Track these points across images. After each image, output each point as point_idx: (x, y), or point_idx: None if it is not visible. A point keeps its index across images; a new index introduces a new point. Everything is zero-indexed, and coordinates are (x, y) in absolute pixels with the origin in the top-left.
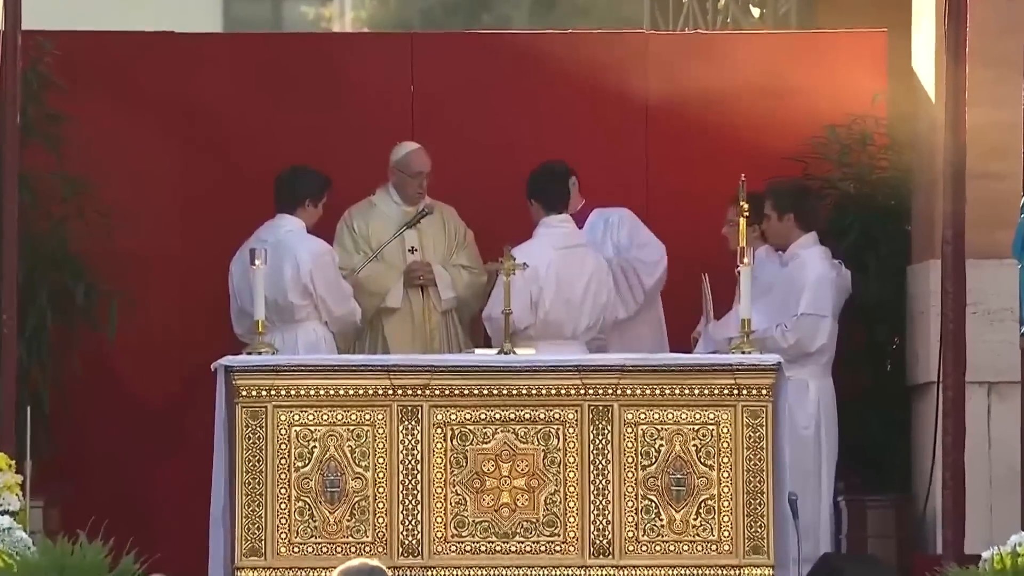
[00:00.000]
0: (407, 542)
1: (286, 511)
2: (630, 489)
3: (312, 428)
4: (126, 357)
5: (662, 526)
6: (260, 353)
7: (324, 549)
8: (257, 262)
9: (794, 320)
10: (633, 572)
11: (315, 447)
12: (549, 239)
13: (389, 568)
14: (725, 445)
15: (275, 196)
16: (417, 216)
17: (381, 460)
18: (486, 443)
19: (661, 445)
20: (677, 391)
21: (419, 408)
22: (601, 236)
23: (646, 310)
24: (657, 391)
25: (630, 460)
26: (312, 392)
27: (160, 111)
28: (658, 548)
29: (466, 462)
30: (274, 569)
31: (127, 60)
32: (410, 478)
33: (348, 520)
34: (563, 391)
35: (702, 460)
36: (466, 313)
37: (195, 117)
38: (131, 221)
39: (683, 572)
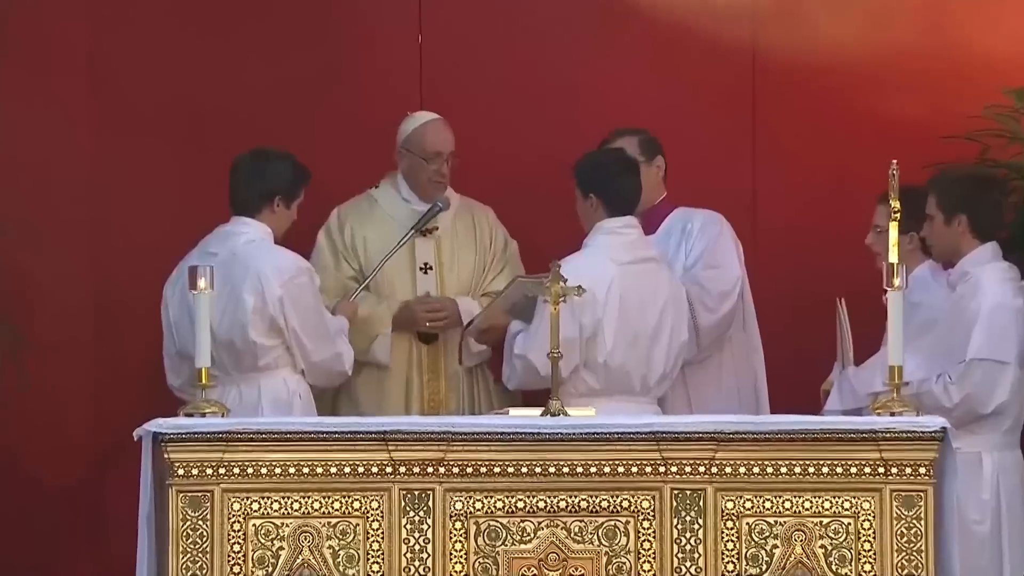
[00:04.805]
0: None
1: None
2: None
3: (278, 522)
4: (17, 422)
5: None
6: (205, 415)
7: None
8: (201, 284)
9: (961, 368)
10: None
11: (282, 548)
12: (608, 250)
13: None
14: (867, 546)
15: (230, 192)
16: (427, 215)
17: (376, 567)
18: (526, 543)
19: (775, 546)
20: (798, 469)
21: (430, 493)
22: (675, 246)
23: (718, 350)
24: (769, 469)
25: (731, 567)
26: (279, 471)
27: (62, 72)
28: None
29: (497, 569)
30: None
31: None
32: None
33: None
34: (635, 469)
35: (833, 567)
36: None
37: (113, 80)
38: (18, 227)
39: None
